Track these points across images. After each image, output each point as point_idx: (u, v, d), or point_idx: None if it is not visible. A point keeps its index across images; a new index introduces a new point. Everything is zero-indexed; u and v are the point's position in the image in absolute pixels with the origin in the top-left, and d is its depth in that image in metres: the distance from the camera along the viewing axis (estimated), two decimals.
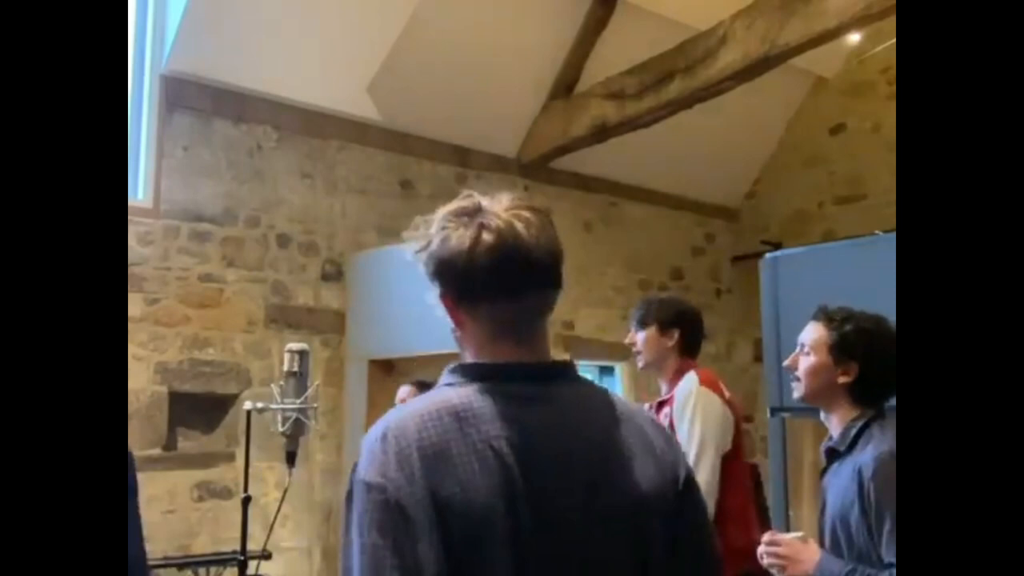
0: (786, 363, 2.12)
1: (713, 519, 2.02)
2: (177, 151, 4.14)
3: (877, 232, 3.50)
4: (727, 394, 2.91)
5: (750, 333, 5.96)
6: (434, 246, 1.17)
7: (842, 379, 2.00)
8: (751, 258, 5.53)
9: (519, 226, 1.14)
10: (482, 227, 1.14)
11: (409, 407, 1.15)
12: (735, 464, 2.84)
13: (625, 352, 5.48)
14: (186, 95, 4.16)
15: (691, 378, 2.89)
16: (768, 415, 3.27)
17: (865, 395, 2.00)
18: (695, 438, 2.75)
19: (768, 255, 3.24)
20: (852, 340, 1.99)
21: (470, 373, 1.17)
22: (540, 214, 1.18)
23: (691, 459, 2.71)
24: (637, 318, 3.01)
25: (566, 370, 1.22)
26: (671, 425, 2.81)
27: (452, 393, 1.14)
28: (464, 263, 1.14)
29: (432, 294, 1.21)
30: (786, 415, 3.09)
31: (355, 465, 1.11)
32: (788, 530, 2.54)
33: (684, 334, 2.98)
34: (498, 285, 1.15)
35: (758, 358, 5.76)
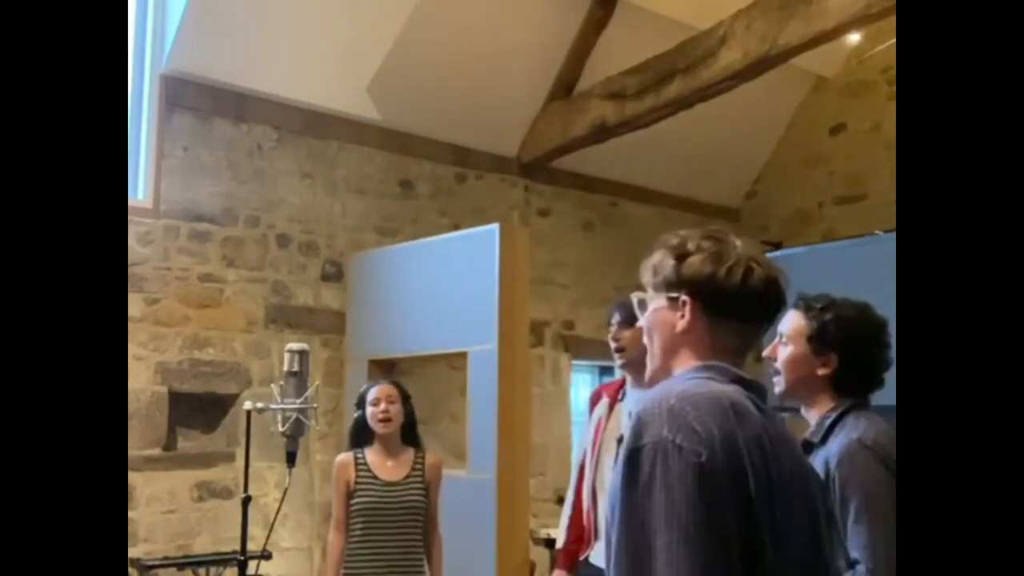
0: (765, 353, 2.04)
1: None
2: (177, 151, 4.14)
3: (877, 232, 3.50)
4: None
5: None
6: (697, 257, 1.33)
7: (821, 371, 1.92)
8: None
9: (775, 267, 1.36)
10: (752, 260, 1.33)
11: (689, 388, 1.22)
12: None
13: None
14: (186, 95, 4.17)
15: None
16: None
17: (845, 387, 1.92)
18: None
19: (768, 255, 3.24)
20: (832, 330, 1.91)
21: (727, 375, 1.28)
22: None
23: None
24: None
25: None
26: None
27: (725, 388, 1.24)
28: (736, 286, 1.30)
29: (654, 296, 1.38)
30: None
31: (642, 426, 1.17)
32: None
33: None
34: (759, 311, 1.34)
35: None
